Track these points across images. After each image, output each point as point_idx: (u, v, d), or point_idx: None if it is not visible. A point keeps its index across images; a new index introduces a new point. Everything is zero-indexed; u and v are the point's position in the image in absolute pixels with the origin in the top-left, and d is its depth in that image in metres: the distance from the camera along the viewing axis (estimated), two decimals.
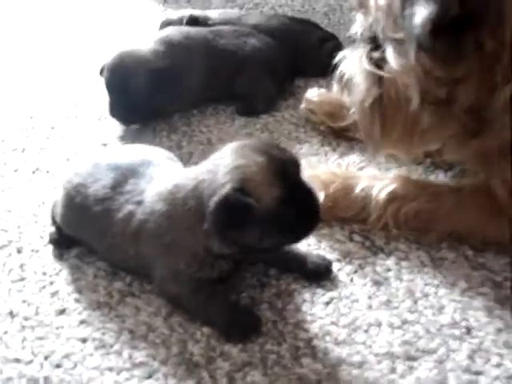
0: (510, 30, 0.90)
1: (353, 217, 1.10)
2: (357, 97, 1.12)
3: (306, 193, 0.88)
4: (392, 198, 1.08)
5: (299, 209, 0.86)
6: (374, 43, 1.06)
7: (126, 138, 1.38)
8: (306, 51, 1.64)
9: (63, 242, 1.06)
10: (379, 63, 1.06)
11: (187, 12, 1.72)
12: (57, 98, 1.57)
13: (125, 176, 0.97)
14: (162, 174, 0.97)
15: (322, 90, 1.46)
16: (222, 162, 0.87)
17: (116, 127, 1.42)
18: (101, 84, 1.42)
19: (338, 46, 1.66)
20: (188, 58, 1.45)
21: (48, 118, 1.48)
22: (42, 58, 1.80)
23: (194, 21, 1.63)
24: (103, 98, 1.45)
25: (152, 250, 0.93)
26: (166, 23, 1.69)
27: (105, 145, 1.36)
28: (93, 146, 1.36)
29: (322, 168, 1.18)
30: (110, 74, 1.38)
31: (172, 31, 1.52)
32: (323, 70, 1.59)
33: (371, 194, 1.09)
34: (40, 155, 1.33)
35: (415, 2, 0.94)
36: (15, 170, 1.29)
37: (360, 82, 1.11)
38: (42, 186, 1.22)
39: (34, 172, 1.28)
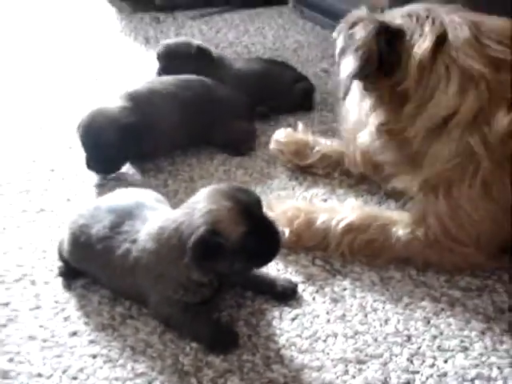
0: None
1: (315, 246, 1.30)
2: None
3: (267, 227, 1.06)
4: (348, 229, 1.28)
5: (262, 240, 1.05)
6: None
7: (118, 179, 1.56)
8: (280, 91, 1.84)
9: (70, 273, 1.24)
10: None
11: (188, 40, 1.92)
12: (55, 142, 1.75)
13: (122, 218, 1.16)
14: (153, 215, 1.16)
15: (289, 130, 1.64)
16: (197, 207, 1.05)
17: None
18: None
19: (309, 87, 1.88)
20: (156, 113, 1.58)
21: (48, 161, 1.65)
22: (40, 105, 1.97)
23: (202, 53, 1.81)
24: None
25: (146, 281, 1.11)
26: (168, 50, 1.85)
27: (100, 186, 1.54)
28: (89, 186, 1.54)
29: (287, 204, 1.37)
30: (83, 132, 1.53)
31: (139, 87, 1.66)
32: (294, 107, 1.82)
33: (330, 225, 1.29)
34: (43, 196, 1.50)
35: (346, 56, 1.24)
36: (22, 211, 1.45)
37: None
38: (47, 225, 1.39)
39: (39, 212, 1.44)
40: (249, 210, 1.04)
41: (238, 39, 2.49)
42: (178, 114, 1.61)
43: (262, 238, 1.05)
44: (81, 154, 1.65)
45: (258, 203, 1.08)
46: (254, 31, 2.58)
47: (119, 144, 1.50)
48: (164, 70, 1.83)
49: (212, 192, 1.08)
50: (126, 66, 2.25)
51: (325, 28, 2.55)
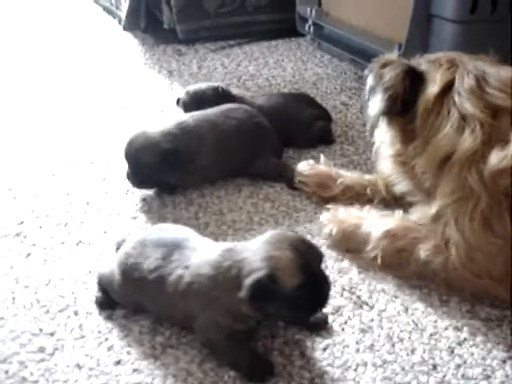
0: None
1: (355, 248, 1.42)
2: None
3: (320, 283, 1.13)
4: (385, 235, 1.38)
5: (312, 295, 1.11)
6: None
7: (151, 211, 1.64)
8: (299, 129, 1.91)
9: (109, 304, 1.31)
10: None
11: (209, 84, 2.00)
12: (88, 174, 1.83)
13: (171, 249, 1.22)
14: (202, 245, 1.23)
15: (312, 163, 1.72)
16: (262, 248, 1.13)
17: (141, 201, 1.69)
18: (123, 161, 1.71)
19: (327, 125, 1.95)
20: (198, 142, 1.69)
21: (82, 193, 1.73)
22: (71, 137, 2.06)
23: (225, 94, 1.89)
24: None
25: (196, 305, 1.17)
26: (195, 98, 1.94)
27: (134, 218, 1.62)
28: (124, 219, 1.62)
29: (341, 210, 1.50)
30: (126, 150, 1.66)
31: (186, 117, 1.77)
32: (313, 144, 1.89)
33: (371, 231, 1.40)
34: (81, 228, 1.58)
35: (375, 95, 1.38)
36: (61, 243, 1.52)
37: None
38: (86, 257, 1.46)
39: (77, 244, 1.52)
40: (307, 263, 1.11)
41: (258, 71, 2.58)
42: (219, 146, 1.71)
43: (312, 292, 1.11)
44: (114, 186, 1.73)
45: (318, 258, 1.15)
46: (273, 63, 2.67)
47: (157, 167, 1.62)
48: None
49: (278, 238, 1.15)
50: (151, 97, 2.34)
51: (342, 60, 2.64)
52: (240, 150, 1.73)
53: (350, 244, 1.45)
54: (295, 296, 1.09)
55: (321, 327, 1.24)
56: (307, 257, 1.12)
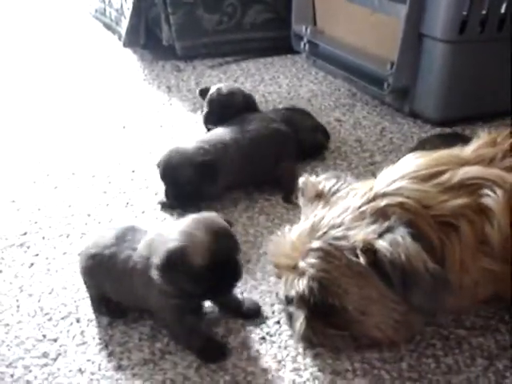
0: None
1: None
2: None
3: (228, 270, 1.21)
4: None
5: (217, 278, 1.19)
6: None
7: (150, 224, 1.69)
8: (304, 135, 1.98)
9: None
10: None
11: (239, 89, 2.06)
12: (88, 187, 1.88)
13: (125, 231, 1.33)
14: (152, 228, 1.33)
15: (307, 176, 1.76)
16: (183, 225, 1.21)
17: (141, 213, 1.75)
18: (123, 174, 1.80)
19: (326, 132, 2.03)
20: (224, 155, 1.76)
21: (84, 206, 1.78)
22: (71, 151, 2.12)
23: (250, 102, 1.99)
24: (126, 187, 1.81)
25: (141, 287, 1.26)
26: (222, 98, 2.00)
27: None
28: None
29: None
30: (163, 170, 1.73)
31: (212, 135, 1.85)
32: (318, 150, 1.96)
33: None
34: (82, 239, 1.63)
35: None
36: (64, 253, 1.58)
37: None
38: None
39: (79, 254, 1.57)
40: (220, 249, 1.18)
41: (254, 88, 2.65)
42: (242, 154, 1.79)
43: (218, 276, 1.19)
44: (115, 199, 1.79)
45: (234, 248, 1.23)
46: (269, 80, 2.74)
47: (196, 181, 1.69)
48: (213, 115, 2.00)
49: (202, 220, 1.22)
50: (151, 114, 2.40)
51: (336, 78, 2.72)
52: (263, 156, 1.81)
53: None
54: (200, 274, 1.17)
55: (253, 316, 1.33)
56: (220, 242, 1.19)
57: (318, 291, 1.17)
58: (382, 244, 1.11)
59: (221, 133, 1.84)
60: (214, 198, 1.78)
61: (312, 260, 1.18)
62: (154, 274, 1.20)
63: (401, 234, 1.12)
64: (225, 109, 1.96)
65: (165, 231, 1.25)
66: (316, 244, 1.19)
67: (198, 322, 1.29)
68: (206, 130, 2.05)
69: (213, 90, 2.03)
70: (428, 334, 1.30)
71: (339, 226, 1.19)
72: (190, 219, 1.24)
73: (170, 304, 1.24)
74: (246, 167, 1.79)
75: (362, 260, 1.13)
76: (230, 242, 1.23)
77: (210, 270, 1.17)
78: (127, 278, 1.27)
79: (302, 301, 1.21)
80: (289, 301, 1.26)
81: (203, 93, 2.08)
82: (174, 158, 1.72)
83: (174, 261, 1.16)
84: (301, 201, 1.40)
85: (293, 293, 1.22)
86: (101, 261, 1.30)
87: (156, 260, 1.18)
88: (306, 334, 1.24)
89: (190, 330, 1.26)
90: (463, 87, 2.19)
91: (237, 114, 1.92)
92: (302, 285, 1.19)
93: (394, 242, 1.11)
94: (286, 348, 1.27)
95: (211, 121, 1.99)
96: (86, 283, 1.38)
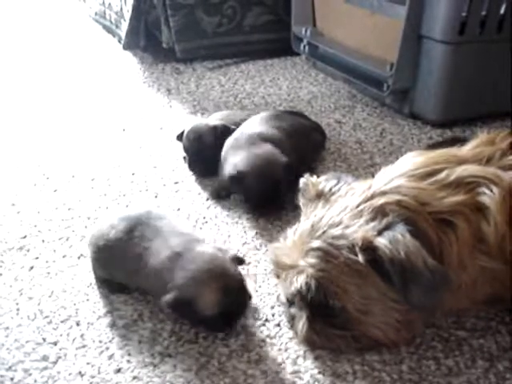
0: None
1: None
2: None
3: (234, 318, 1.28)
4: None
5: (222, 325, 1.27)
6: None
7: None
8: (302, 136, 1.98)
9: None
10: None
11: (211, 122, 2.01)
12: (88, 190, 1.88)
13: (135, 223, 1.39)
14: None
15: (307, 176, 1.76)
16: (200, 268, 1.25)
17: None
18: (123, 176, 1.82)
19: (324, 134, 2.03)
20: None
21: (83, 209, 1.78)
22: (71, 154, 2.12)
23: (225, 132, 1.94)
24: (126, 189, 1.81)
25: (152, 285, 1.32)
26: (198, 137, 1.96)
27: None
28: None
29: None
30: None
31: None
32: (319, 147, 1.98)
33: None
34: (82, 242, 1.63)
35: None
36: (63, 256, 1.57)
37: None
38: (87, 270, 1.51)
39: (79, 257, 1.57)
40: (230, 303, 1.24)
41: (254, 90, 2.65)
42: None
43: (223, 324, 1.27)
44: (114, 201, 1.79)
45: (242, 302, 1.28)
46: (269, 82, 2.74)
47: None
48: (193, 163, 1.98)
49: (209, 265, 1.26)
50: (151, 117, 2.40)
51: (336, 79, 2.72)
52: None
53: None
54: (206, 321, 1.25)
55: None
56: (231, 298, 1.24)
57: (316, 289, 1.17)
58: (382, 241, 1.11)
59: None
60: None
61: (311, 259, 1.18)
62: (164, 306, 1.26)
63: (400, 231, 1.12)
64: (199, 155, 1.94)
65: (187, 253, 1.28)
66: (315, 243, 1.19)
67: None
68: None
69: (184, 134, 1.99)
70: (428, 336, 1.30)
71: (338, 225, 1.19)
72: (209, 260, 1.26)
73: None
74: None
75: (360, 258, 1.14)
76: (240, 296, 1.27)
77: (216, 318, 1.24)
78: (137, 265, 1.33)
79: (302, 300, 1.21)
80: (290, 302, 1.26)
81: (179, 138, 2.03)
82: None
83: (183, 309, 1.25)
84: (301, 201, 1.40)
85: (292, 289, 1.22)
86: (111, 248, 1.36)
87: (165, 298, 1.23)
88: (308, 335, 1.24)
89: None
90: (463, 88, 2.19)
91: (216, 150, 1.88)
92: (299, 281, 1.19)
93: (394, 239, 1.11)
94: (286, 350, 1.26)
95: (195, 170, 1.97)
96: (92, 263, 1.44)
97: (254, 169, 1.71)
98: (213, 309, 1.22)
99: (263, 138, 1.79)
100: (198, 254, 1.27)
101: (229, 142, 1.83)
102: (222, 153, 1.83)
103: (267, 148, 1.76)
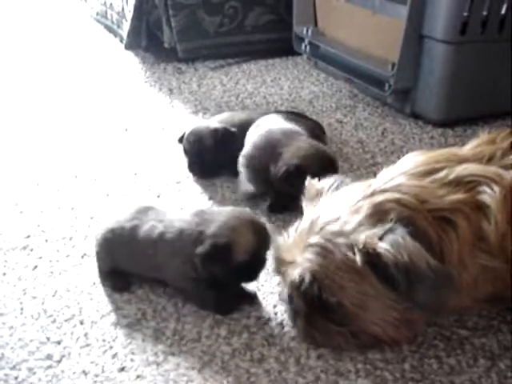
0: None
1: None
2: None
3: (260, 264, 1.34)
4: None
5: (250, 273, 1.34)
6: None
7: None
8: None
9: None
10: None
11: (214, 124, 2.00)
12: (91, 189, 1.89)
13: (146, 209, 1.46)
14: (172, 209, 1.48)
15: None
16: (230, 219, 1.32)
17: None
18: (125, 176, 1.85)
19: (324, 133, 2.03)
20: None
21: (86, 208, 1.79)
22: (74, 154, 2.13)
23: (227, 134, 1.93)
24: (129, 189, 1.82)
25: (164, 254, 1.35)
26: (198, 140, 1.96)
27: None
28: None
29: None
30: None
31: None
32: None
33: None
34: (85, 242, 1.63)
35: None
36: (67, 256, 1.58)
37: None
38: (91, 269, 1.52)
39: (82, 257, 1.57)
40: (259, 248, 1.32)
41: (256, 90, 2.65)
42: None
43: (251, 271, 1.34)
44: (117, 201, 1.80)
45: (267, 245, 1.33)
46: (270, 82, 2.74)
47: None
48: (193, 166, 1.97)
49: (244, 217, 1.34)
50: (153, 117, 2.41)
51: (337, 79, 2.72)
52: None
53: None
54: (237, 270, 1.30)
55: (249, 301, 1.40)
56: (261, 242, 1.31)
57: (310, 282, 1.18)
58: (384, 246, 1.12)
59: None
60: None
61: (309, 255, 1.19)
62: (196, 258, 1.29)
63: (401, 235, 1.13)
64: (198, 157, 1.94)
65: (212, 213, 1.36)
66: (314, 239, 1.20)
67: (212, 287, 1.36)
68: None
69: (185, 136, 1.99)
70: (430, 335, 1.31)
71: (336, 221, 1.20)
72: (235, 212, 1.35)
73: (195, 279, 1.34)
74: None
75: (359, 259, 1.14)
76: (268, 242, 1.33)
77: (246, 265, 1.29)
78: (149, 247, 1.36)
79: (299, 295, 1.22)
80: (291, 299, 1.27)
81: (180, 141, 2.04)
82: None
83: (219, 256, 1.27)
84: (303, 201, 1.39)
85: (288, 283, 1.23)
86: (120, 233, 1.40)
87: (200, 249, 1.28)
88: (307, 330, 1.25)
89: (204, 293, 1.36)
90: (464, 88, 2.20)
91: (215, 153, 1.90)
92: (295, 274, 1.21)
93: (396, 244, 1.11)
94: (289, 349, 1.27)
95: (194, 171, 1.96)
96: (98, 254, 1.47)
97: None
98: (247, 253, 1.28)
99: (299, 134, 1.80)
100: (220, 210, 1.39)
101: (259, 137, 1.82)
102: (250, 153, 1.80)
103: (315, 142, 1.78)
